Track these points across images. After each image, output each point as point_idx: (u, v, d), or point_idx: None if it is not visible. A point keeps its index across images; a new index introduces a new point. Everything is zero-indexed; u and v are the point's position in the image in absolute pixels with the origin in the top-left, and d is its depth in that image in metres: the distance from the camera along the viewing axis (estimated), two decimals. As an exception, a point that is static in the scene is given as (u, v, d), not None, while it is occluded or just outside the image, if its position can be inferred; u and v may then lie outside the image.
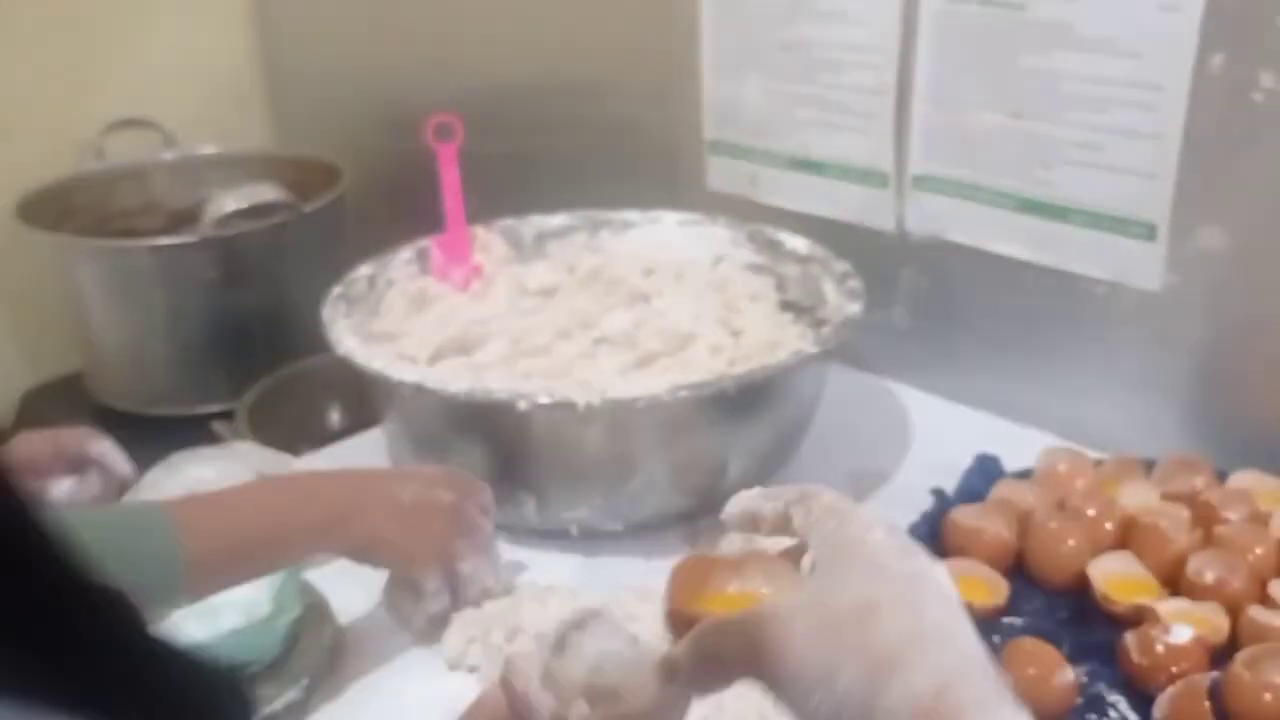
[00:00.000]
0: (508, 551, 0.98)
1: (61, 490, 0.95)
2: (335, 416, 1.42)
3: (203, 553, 0.75)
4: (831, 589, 0.43)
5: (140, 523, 0.76)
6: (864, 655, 0.40)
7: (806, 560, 0.48)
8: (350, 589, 0.93)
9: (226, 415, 1.37)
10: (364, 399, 1.35)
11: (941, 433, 1.14)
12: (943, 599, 0.43)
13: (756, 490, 0.53)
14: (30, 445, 0.95)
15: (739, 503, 0.53)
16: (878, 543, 0.45)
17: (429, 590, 0.85)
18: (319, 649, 0.83)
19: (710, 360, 1.01)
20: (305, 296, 1.46)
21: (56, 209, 1.53)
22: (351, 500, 0.82)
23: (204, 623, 0.85)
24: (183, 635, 0.83)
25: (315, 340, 1.42)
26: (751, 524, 0.53)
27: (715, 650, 0.46)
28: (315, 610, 0.86)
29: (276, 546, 0.80)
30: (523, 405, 0.87)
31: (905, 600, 0.42)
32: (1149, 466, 0.97)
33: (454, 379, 0.91)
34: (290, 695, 0.80)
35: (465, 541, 0.86)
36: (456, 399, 0.89)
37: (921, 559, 0.45)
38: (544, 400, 0.88)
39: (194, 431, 1.28)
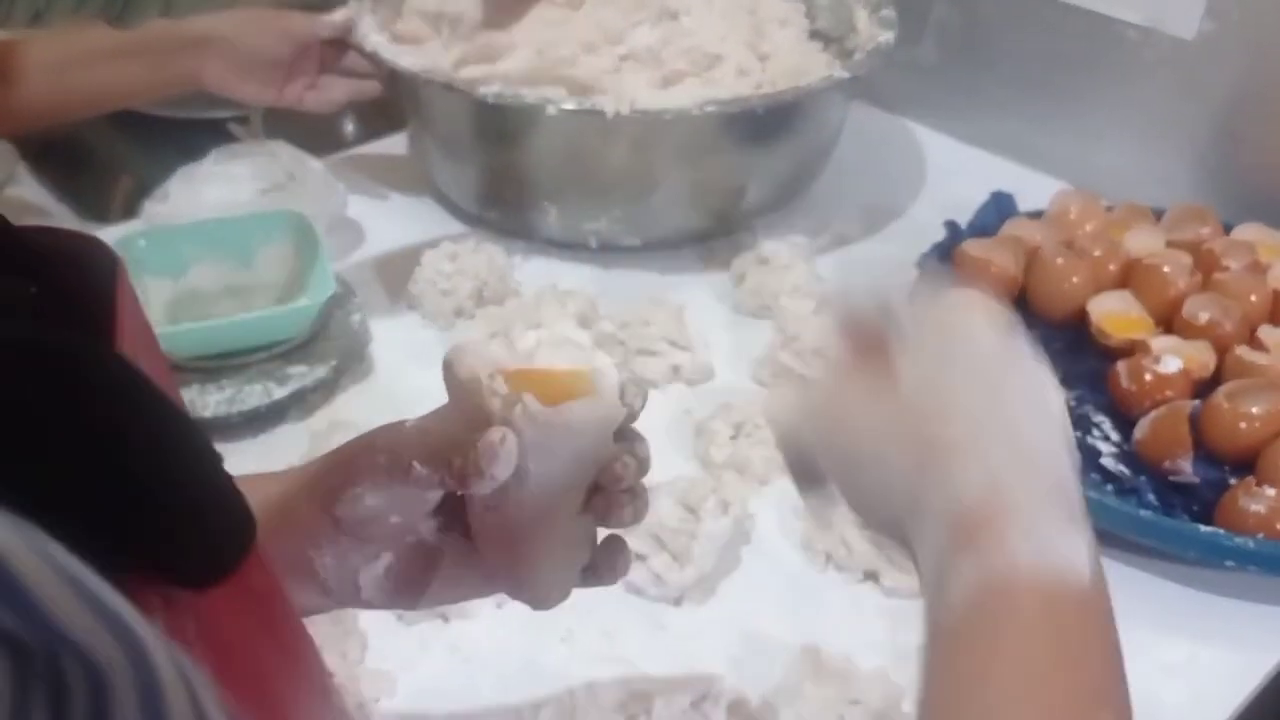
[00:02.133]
0: (528, 258, 1.00)
1: None
2: (349, 126, 1.42)
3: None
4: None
5: None
6: (917, 441, 0.37)
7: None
8: (374, 284, 0.97)
9: (241, 120, 1.37)
10: (379, 107, 1.34)
11: (956, 174, 1.15)
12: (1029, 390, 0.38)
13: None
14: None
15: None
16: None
17: None
18: (347, 333, 0.87)
19: (736, 82, 1.00)
20: (318, 1, 1.43)
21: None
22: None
23: (237, 303, 0.89)
24: (218, 314, 0.87)
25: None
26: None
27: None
28: (342, 298, 0.89)
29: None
30: (551, 110, 0.88)
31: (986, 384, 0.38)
32: (1158, 215, 0.99)
33: (483, 82, 0.91)
34: (320, 373, 0.84)
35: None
36: (485, 101, 0.89)
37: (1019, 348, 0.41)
38: (573, 107, 0.88)
39: (210, 134, 1.28)
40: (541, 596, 0.48)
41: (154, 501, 0.30)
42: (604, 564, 0.47)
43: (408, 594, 0.47)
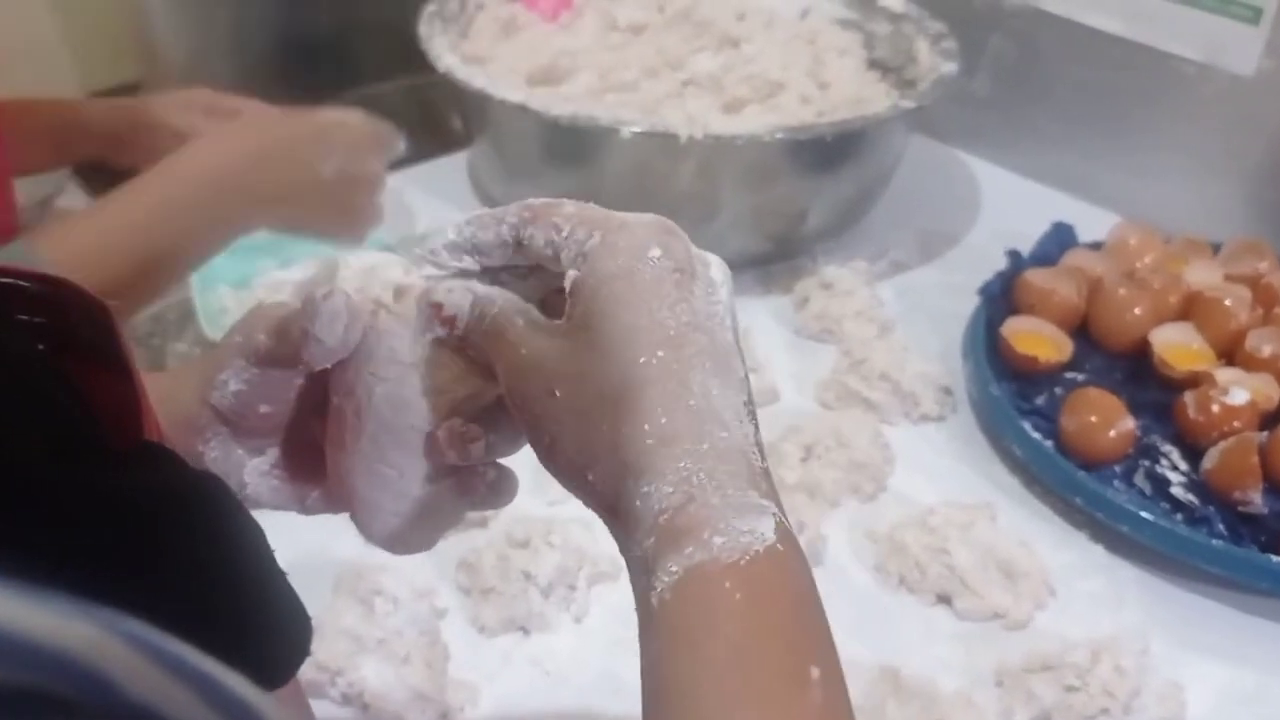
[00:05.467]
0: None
1: None
2: (401, 144, 1.43)
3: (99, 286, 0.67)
4: (593, 355, 0.37)
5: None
6: (614, 456, 0.36)
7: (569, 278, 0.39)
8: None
9: (293, 135, 1.38)
10: (432, 127, 1.36)
11: (1010, 204, 1.16)
12: (708, 358, 0.37)
13: (466, 218, 0.42)
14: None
15: (454, 230, 0.42)
16: (653, 272, 0.37)
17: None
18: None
19: (799, 110, 1.02)
20: (373, 19, 1.45)
21: (121, -92, 1.49)
22: (263, 178, 0.73)
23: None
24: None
25: (380, 66, 1.42)
26: (467, 252, 0.42)
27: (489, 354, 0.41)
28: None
29: (183, 251, 0.71)
30: (625, 133, 0.89)
31: (669, 379, 0.36)
32: (1215, 249, 1.00)
33: (555, 103, 0.92)
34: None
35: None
36: (559, 122, 0.90)
37: (697, 286, 0.38)
38: (647, 129, 0.89)
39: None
40: (379, 524, 0.44)
41: (225, 610, 0.31)
42: (488, 487, 0.44)
43: (292, 495, 0.46)
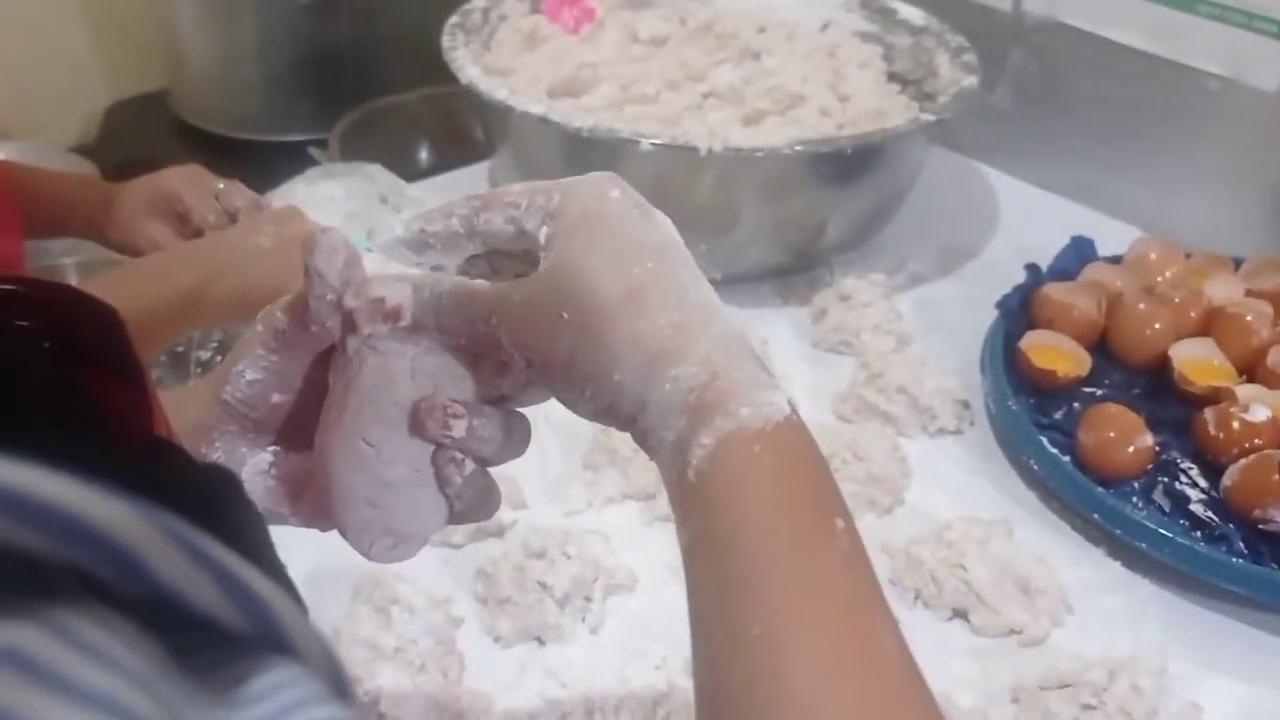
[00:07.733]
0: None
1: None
2: (424, 154, 1.44)
3: None
4: (591, 272, 0.39)
5: None
6: (637, 350, 0.39)
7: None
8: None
9: (315, 144, 1.39)
10: (454, 137, 1.37)
11: (1030, 218, 1.16)
12: (691, 269, 0.41)
13: (413, 214, 0.45)
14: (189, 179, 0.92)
15: (402, 226, 0.44)
16: (618, 208, 0.41)
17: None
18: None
19: (819, 122, 1.02)
20: (396, 30, 1.46)
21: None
22: (212, 262, 0.74)
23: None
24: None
25: (402, 76, 1.43)
26: (419, 246, 0.44)
27: (462, 327, 0.42)
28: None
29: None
30: (645, 145, 0.89)
31: (667, 281, 0.40)
32: (1237, 264, 1.00)
33: (576, 115, 0.93)
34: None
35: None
36: (579, 134, 0.91)
37: (657, 217, 0.42)
38: (667, 142, 0.90)
39: (286, 156, 1.31)
40: (353, 513, 0.43)
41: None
42: (465, 481, 0.44)
43: (285, 496, 0.46)
